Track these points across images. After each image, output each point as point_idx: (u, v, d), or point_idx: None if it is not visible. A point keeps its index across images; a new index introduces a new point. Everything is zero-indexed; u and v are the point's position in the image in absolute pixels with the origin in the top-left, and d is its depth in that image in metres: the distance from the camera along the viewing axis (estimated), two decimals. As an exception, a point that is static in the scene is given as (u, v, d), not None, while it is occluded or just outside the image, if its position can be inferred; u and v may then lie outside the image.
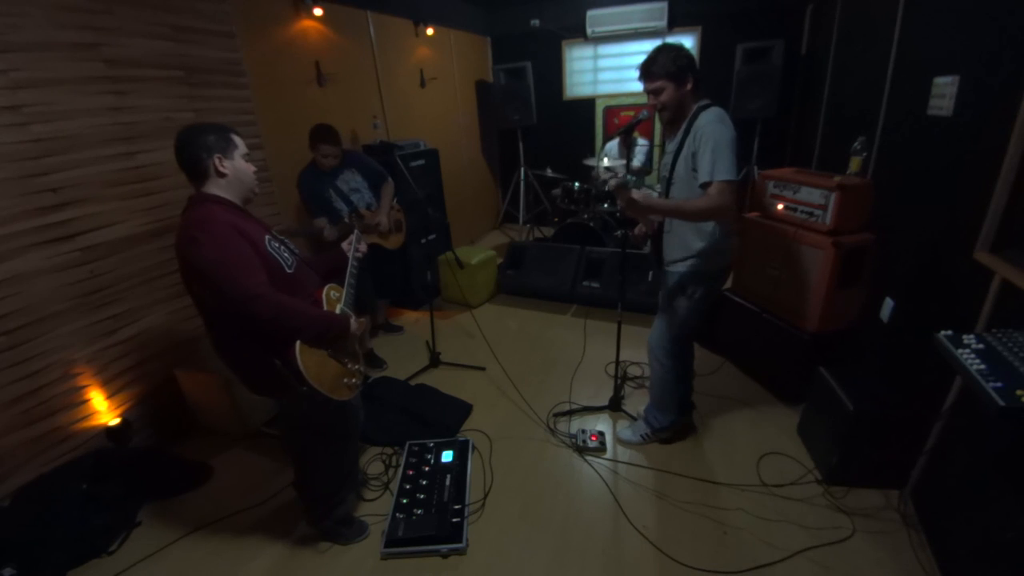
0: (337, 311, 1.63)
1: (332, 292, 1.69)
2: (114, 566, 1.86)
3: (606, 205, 4.23)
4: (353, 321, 1.62)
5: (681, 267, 2.00)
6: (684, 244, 1.98)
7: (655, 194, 2.10)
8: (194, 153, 1.45)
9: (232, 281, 1.35)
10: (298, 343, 1.43)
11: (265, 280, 1.41)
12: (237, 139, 1.52)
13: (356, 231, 1.97)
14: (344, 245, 1.89)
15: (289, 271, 1.55)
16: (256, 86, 2.86)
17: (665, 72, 1.80)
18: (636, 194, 1.77)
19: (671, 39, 4.88)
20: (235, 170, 1.50)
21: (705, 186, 1.76)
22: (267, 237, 1.55)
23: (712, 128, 1.74)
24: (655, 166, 4.41)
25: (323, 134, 2.69)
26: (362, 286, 1.91)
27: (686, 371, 2.25)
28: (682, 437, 2.36)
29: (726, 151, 1.72)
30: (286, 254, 1.59)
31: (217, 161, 1.46)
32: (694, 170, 1.80)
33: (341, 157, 2.82)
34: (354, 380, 1.64)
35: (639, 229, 2.30)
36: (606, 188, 4.21)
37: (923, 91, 2.09)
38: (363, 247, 1.93)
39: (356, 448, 1.96)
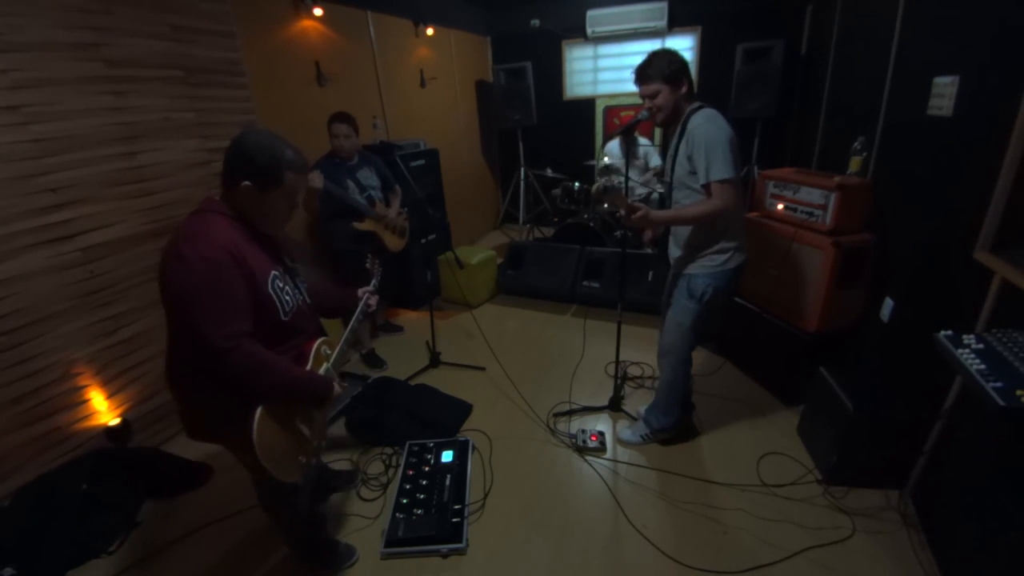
0: (322, 371, 1.49)
1: (324, 348, 1.54)
2: (114, 566, 1.86)
3: (605, 206, 4.22)
4: (336, 386, 1.47)
5: (687, 268, 2.02)
6: (687, 246, 2.01)
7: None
8: (235, 164, 1.30)
9: (206, 322, 1.16)
10: (259, 410, 1.26)
11: (247, 328, 1.23)
12: (289, 180, 1.32)
13: (374, 281, 1.92)
14: (360, 292, 1.83)
15: (284, 318, 1.38)
16: (256, 86, 2.86)
17: (660, 75, 1.83)
18: (639, 212, 1.82)
19: (671, 39, 4.92)
20: (262, 205, 1.32)
21: (706, 187, 1.80)
22: (273, 274, 1.36)
23: (703, 130, 1.78)
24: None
25: (336, 114, 2.78)
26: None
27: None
28: (682, 437, 2.35)
29: (719, 150, 1.75)
30: (287, 297, 1.41)
31: (246, 187, 1.29)
32: (692, 173, 1.85)
33: (358, 150, 2.90)
34: (304, 460, 1.44)
35: (647, 236, 2.35)
36: (592, 191, 4.19)
37: (923, 91, 2.09)
38: (374, 302, 1.83)
39: (308, 499, 1.70)
